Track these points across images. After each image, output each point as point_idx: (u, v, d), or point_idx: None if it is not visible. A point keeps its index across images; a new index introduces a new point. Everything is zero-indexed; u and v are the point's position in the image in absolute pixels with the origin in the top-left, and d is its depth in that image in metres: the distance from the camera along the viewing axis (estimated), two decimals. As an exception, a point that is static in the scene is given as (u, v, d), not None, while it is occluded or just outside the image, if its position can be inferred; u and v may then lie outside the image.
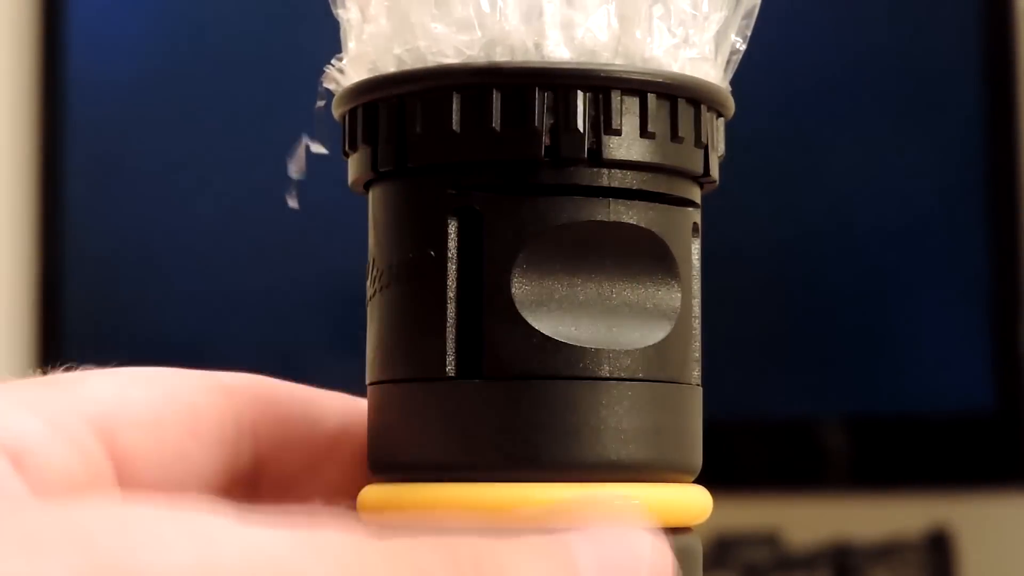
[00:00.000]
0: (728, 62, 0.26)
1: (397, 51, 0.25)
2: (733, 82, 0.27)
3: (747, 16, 0.26)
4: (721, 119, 0.26)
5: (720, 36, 0.26)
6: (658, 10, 0.25)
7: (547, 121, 0.24)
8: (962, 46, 0.90)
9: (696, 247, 0.26)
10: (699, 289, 0.26)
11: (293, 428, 0.27)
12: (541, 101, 0.24)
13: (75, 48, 0.99)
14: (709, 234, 0.27)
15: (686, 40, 0.25)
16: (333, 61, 0.26)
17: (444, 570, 0.19)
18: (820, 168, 0.91)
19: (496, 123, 0.24)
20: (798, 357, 0.91)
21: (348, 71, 0.26)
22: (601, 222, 0.24)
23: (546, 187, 0.24)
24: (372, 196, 0.26)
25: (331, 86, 0.26)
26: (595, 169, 0.24)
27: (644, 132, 0.24)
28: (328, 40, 0.27)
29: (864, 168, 0.90)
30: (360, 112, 0.25)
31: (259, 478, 0.27)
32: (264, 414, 0.27)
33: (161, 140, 0.98)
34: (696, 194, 0.26)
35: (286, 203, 0.28)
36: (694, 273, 0.25)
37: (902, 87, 0.90)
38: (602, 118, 0.24)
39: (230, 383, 0.26)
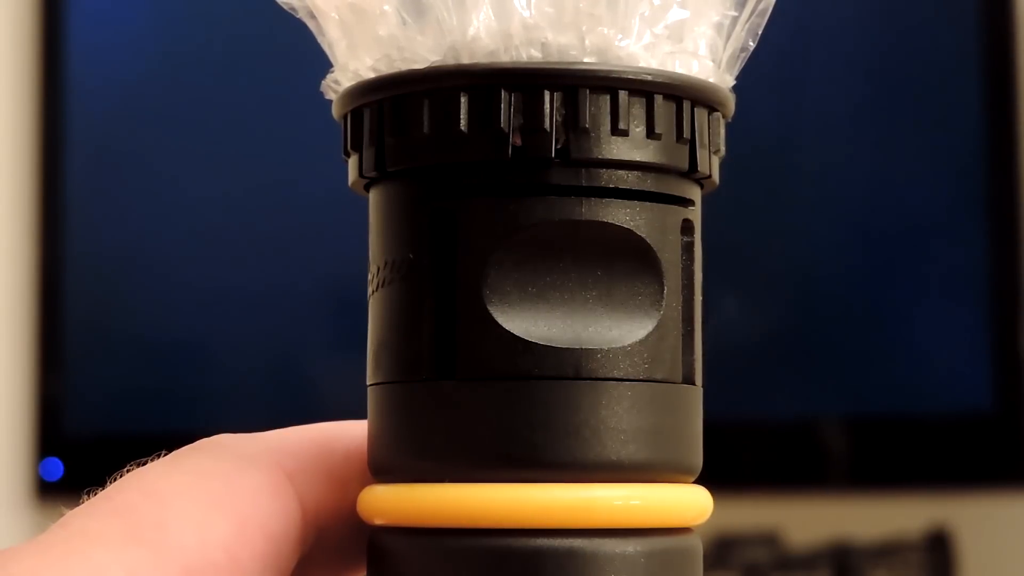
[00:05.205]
0: (736, 60, 0.26)
1: (369, 62, 0.25)
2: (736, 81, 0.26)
3: (760, 15, 0.26)
4: (716, 115, 0.25)
5: (723, 32, 0.25)
6: (642, 7, 0.24)
7: (515, 122, 0.23)
8: (962, 46, 0.90)
9: (692, 245, 0.25)
10: (699, 289, 0.26)
11: (353, 494, 0.26)
12: (507, 101, 0.23)
13: (75, 48, 0.99)
14: (709, 234, 0.26)
15: (677, 36, 0.24)
16: (328, 74, 0.26)
17: None
18: (820, 169, 0.92)
19: (464, 125, 0.24)
20: (798, 357, 0.92)
21: (339, 80, 0.26)
22: (575, 221, 0.24)
23: (515, 187, 0.24)
24: (369, 198, 0.26)
25: (329, 95, 0.26)
26: (566, 168, 0.24)
27: (615, 130, 0.24)
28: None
29: (864, 168, 0.90)
30: (349, 119, 0.25)
31: (318, 551, 0.27)
32: (327, 493, 0.26)
33: (161, 140, 0.98)
34: (688, 191, 0.25)
35: (286, 202, 0.28)
36: (685, 271, 0.25)
37: (902, 88, 0.91)
38: (571, 117, 0.23)
39: (294, 470, 0.26)
